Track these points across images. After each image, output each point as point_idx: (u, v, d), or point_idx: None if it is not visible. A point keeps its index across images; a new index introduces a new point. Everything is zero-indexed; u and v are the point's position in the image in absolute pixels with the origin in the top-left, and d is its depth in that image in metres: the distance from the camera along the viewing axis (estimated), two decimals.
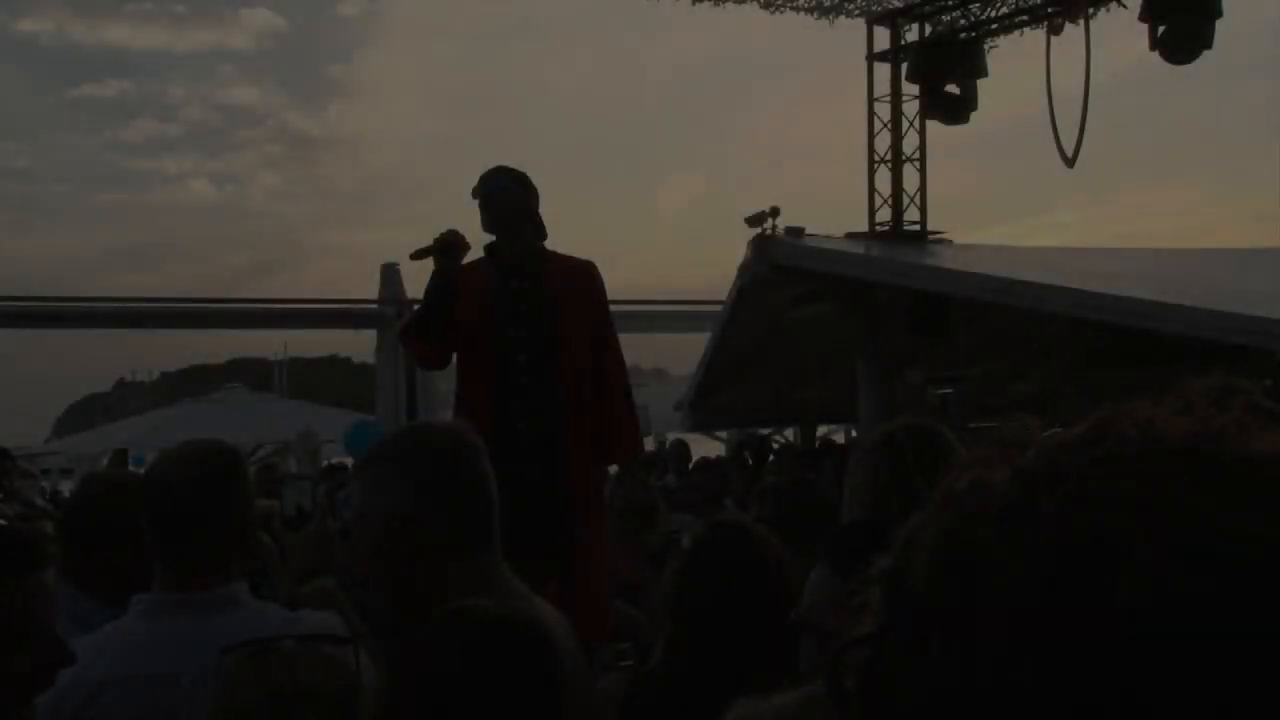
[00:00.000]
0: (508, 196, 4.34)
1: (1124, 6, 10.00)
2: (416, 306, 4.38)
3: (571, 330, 4.30)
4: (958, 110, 10.64)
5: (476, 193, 4.38)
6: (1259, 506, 0.51)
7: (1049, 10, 10.27)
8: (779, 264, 9.72)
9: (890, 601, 0.58)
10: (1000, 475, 0.57)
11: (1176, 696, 0.48)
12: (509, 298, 4.30)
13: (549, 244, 4.49)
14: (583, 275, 4.42)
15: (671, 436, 13.67)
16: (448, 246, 4.22)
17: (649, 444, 14.89)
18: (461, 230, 4.31)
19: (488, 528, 2.09)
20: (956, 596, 0.54)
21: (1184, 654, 0.48)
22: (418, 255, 4.30)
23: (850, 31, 11.42)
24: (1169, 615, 0.49)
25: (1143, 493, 0.52)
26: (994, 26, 10.91)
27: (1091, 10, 9.87)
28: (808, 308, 9.90)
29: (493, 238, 4.40)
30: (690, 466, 10.10)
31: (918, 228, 11.10)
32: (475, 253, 4.40)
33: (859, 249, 10.36)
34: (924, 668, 0.54)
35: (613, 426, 4.37)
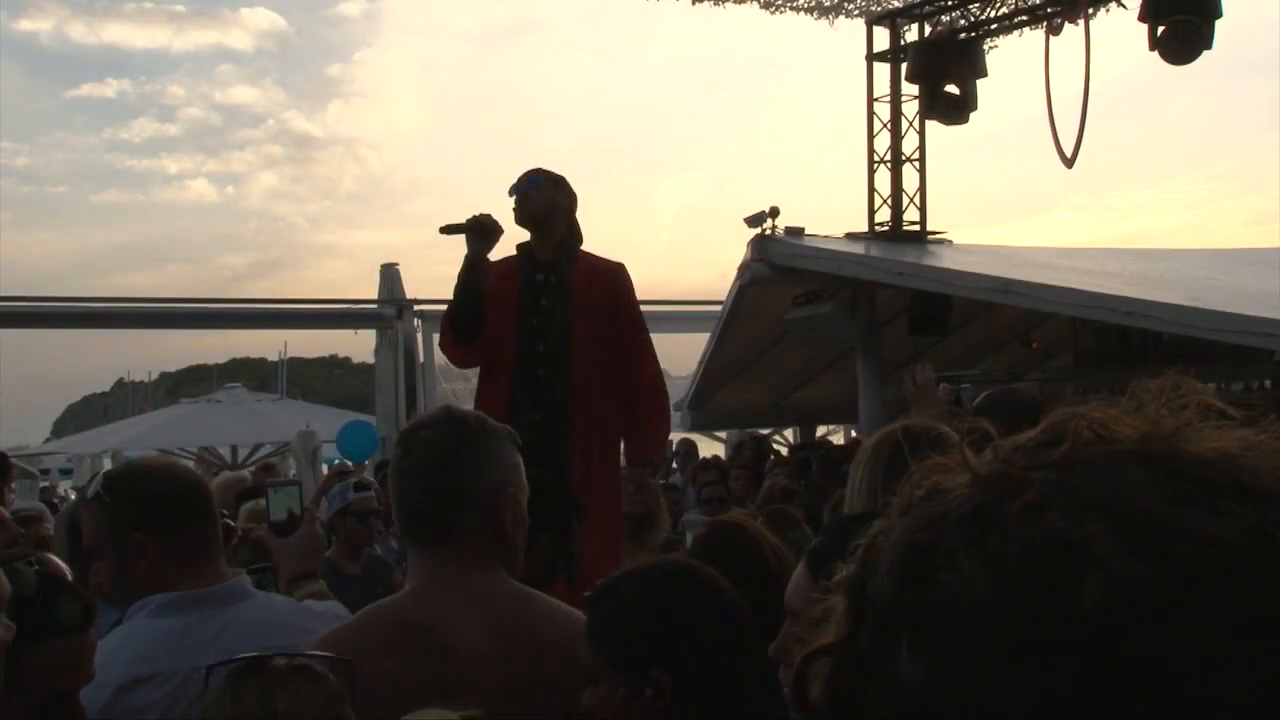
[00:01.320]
0: (542, 194, 4.39)
1: (1124, 7, 10.00)
2: (453, 295, 4.41)
3: (591, 328, 4.35)
4: (957, 110, 10.64)
5: (513, 190, 4.41)
6: (1213, 506, 0.52)
7: (1049, 10, 10.27)
8: (779, 264, 9.72)
9: (854, 609, 0.59)
10: (958, 480, 0.57)
11: (1142, 694, 0.49)
12: (534, 290, 4.35)
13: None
14: (609, 277, 4.48)
15: (677, 437, 13.66)
16: (481, 228, 4.24)
17: None
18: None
19: (427, 519, 2.09)
20: (921, 602, 0.54)
21: (1148, 652, 0.49)
22: (449, 230, 4.30)
23: (850, 31, 11.44)
24: (1133, 615, 0.50)
25: (1103, 496, 0.53)
26: (994, 27, 10.91)
27: (1091, 10, 9.87)
28: (808, 308, 9.89)
29: (526, 234, 4.45)
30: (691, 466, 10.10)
31: (917, 228, 11.10)
32: (508, 249, 4.44)
33: (859, 249, 10.36)
34: (890, 675, 0.55)
35: (639, 426, 4.43)
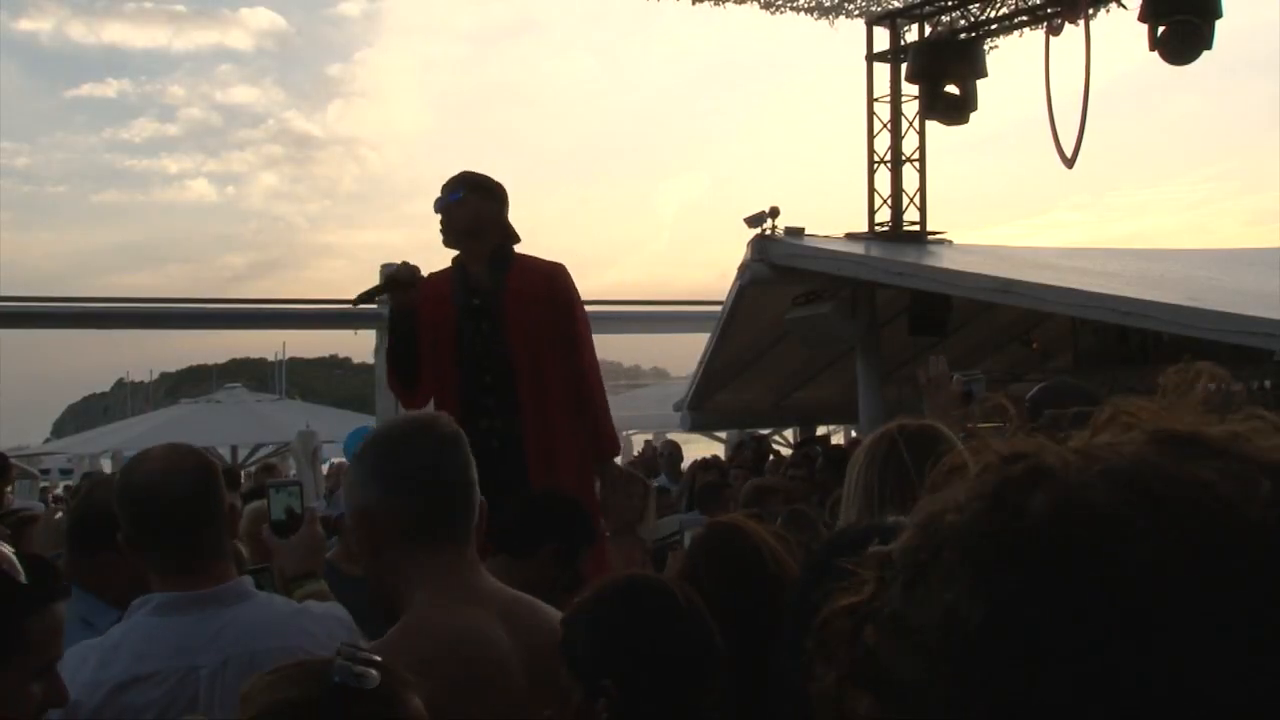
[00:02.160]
0: (464, 208, 4.23)
1: (1124, 7, 10.01)
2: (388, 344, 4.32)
3: (535, 342, 4.21)
4: (957, 110, 10.63)
5: (437, 205, 4.29)
6: (1253, 496, 0.52)
7: (1049, 11, 10.27)
8: (779, 264, 9.72)
9: (879, 577, 0.60)
10: (984, 472, 0.58)
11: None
12: (471, 315, 4.23)
13: (523, 246, 4.40)
14: (545, 277, 4.32)
15: (665, 437, 13.66)
16: (394, 283, 4.16)
17: (643, 443, 14.92)
18: (430, 246, 4.26)
19: (445, 516, 2.05)
20: (934, 553, 0.56)
21: (1179, 634, 0.49)
22: (364, 298, 4.27)
23: (850, 31, 11.44)
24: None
25: (1134, 482, 0.53)
26: (994, 27, 10.91)
27: (1091, 10, 9.87)
28: (808, 308, 9.89)
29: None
30: (684, 467, 10.09)
31: (917, 228, 11.10)
32: (445, 260, 4.35)
33: (859, 249, 10.36)
34: (903, 620, 0.56)
35: (594, 425, 4.32)
